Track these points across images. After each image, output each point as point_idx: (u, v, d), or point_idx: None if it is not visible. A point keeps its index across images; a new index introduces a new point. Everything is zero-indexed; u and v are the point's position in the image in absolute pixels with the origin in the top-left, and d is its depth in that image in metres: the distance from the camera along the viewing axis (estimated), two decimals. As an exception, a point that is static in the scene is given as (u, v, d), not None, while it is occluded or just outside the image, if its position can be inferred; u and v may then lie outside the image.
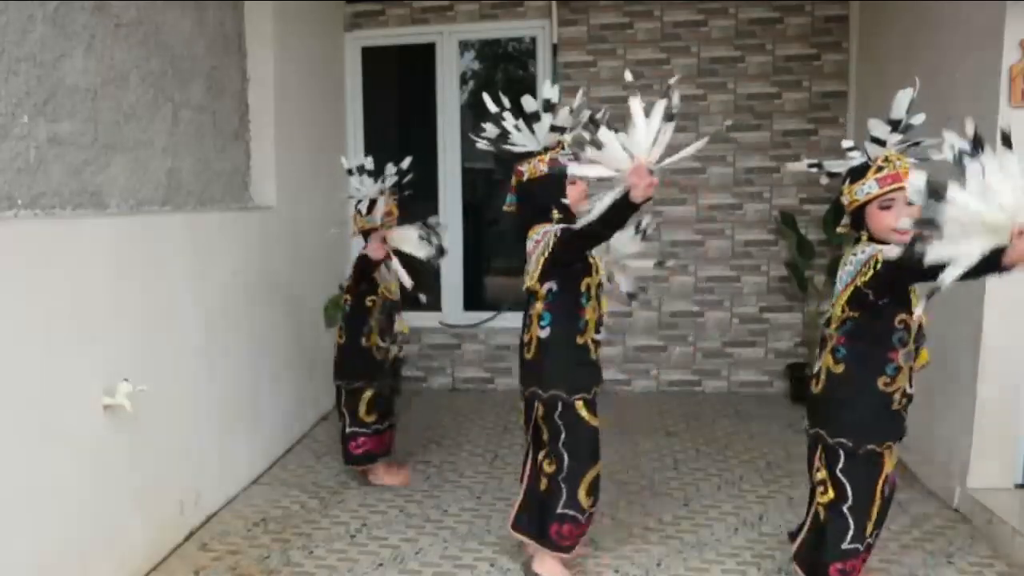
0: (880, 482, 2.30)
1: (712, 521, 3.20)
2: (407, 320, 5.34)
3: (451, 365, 5.42)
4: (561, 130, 2.58)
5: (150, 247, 2.84)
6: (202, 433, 3.22)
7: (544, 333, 2.61)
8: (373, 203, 3.40)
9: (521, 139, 2.62)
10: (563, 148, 2.59)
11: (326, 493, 3.53)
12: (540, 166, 2.60)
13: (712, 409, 4.78)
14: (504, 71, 6.03)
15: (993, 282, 3.06)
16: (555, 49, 5.07)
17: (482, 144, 2.69)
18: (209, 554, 2.94)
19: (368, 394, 3.49)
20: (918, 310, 2.08)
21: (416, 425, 4.52)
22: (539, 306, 2.63)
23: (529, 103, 2.57)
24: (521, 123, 2.61)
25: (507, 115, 2.63)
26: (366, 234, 3.42)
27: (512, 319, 4.97)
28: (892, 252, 2.00)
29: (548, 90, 2.58)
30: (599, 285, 2.65)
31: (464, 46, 5.43)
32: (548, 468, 2.64)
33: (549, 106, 2.56)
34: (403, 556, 2.92)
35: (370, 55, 5.40)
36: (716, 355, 5.16)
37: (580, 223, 2.48)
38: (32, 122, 2.40)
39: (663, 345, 5.20)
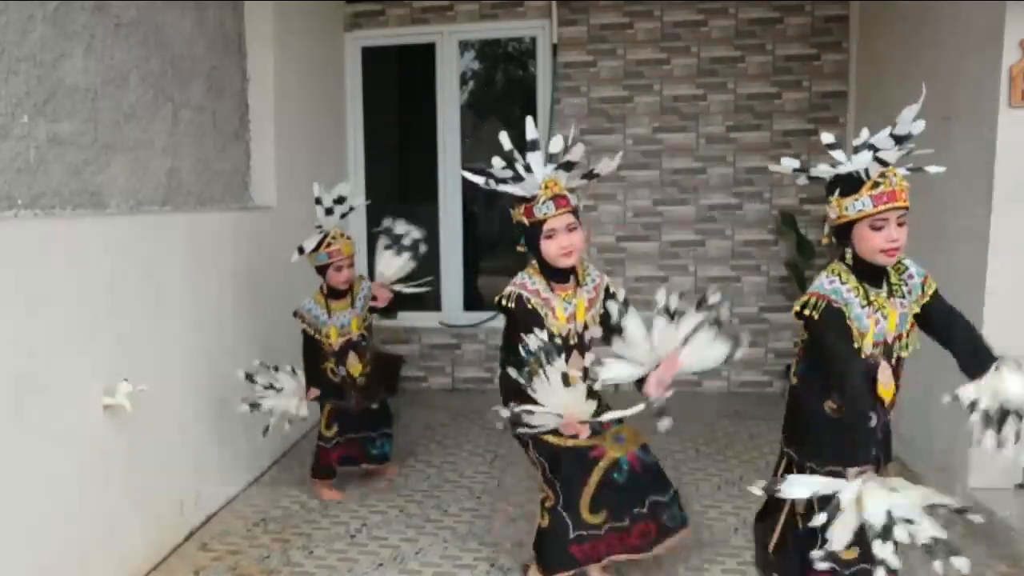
0: None
1: (712, 521, 3.20)
2: (407, 320, 5.39)
3: (451, 365, 5.42)
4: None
5: (150, 247, 2.84)
6: (202, 433, 3.22)
7: (502, 369, 2.50)
8: (321, 242, 3.31)
9: (509, 188, 2.41)
10: (540, 202, 2.38)
11: (326, 493, 3.54)
12: (516, 215, 2.46)
13: (712, 409, 4.78)
14: (504, 71, 6.03)
15: (994, 282, 3.06)
16: (555, 49, 5.07)
17: (474, 179, 2.44)
18: (209, 554, 2.94)
19: (326, 409, 3.45)
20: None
21: (416, 425, 4.52)
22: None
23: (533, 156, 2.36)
24: (518, 168, 2.38)
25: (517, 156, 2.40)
26: (320, 270, 3.38)
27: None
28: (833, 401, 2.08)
29: (555, 144, 2.39)
30: (555, 336, 2.35)
31: (464, 46, 5.43)
32: (548, 503, 2.55)
33: (549, 157, 2.39)
34: (403, 556, 2.92)
35: (370, 55, 5.40)
36: (716, 355, 5.15)
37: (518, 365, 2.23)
38: (32, 122, 2.40)
39: (663, 345, 5.19)
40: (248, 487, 3.60)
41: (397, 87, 6.32)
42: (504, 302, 2.46)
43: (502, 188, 2.41)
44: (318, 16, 4.78)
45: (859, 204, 1.99)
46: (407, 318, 5.37)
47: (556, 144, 2.38)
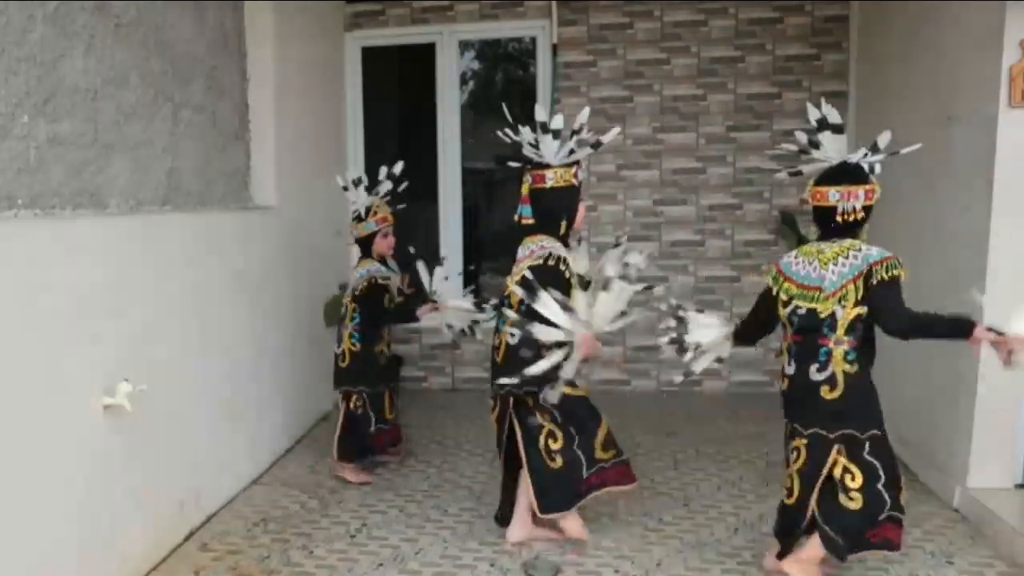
0: None
1: (712, 521, 3.20)
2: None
3: (451, 365, 5.42)
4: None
5: (150, 247, 2.84)
6: (202, 433, 3.22)
7: (514, 340, 2.76)
8: (368, 211, 3.60)
9: (546, 149, 2.76)
10: (579, 169, 2.81)
11: (326, 493, 3.54)
12: (568, 176, 2.76)
13: (712, 409, 4.78)
14: (504, 71, 6.03)
15: (994, 281, 3.06)
16: (555, 49, 5.07)
17: (509, 138, 2.82)
18: (209, 554, 2.94)
19: (388, 394, 3.71)
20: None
21: (416, 425, 4.52)
22: (511, 314, 2.76)
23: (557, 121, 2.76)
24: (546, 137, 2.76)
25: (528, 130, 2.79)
26: (363, 241, 3.62)
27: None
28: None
29: (575, 120, 2.83)
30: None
31: (464, 46, 5.43)
32: (555, 444, 2.78)
33: (572, 132, 2.80)
34: (403, 556, 2.92)
35: (370, 55, 5.40)
36: (716, 355, 5.15)
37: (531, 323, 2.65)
38: (32, 122, 2.40)
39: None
40: (248, 487, 3.59)
41: (397, 87, 6.31)
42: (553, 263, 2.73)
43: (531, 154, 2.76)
44: (318, 16, 4.78)
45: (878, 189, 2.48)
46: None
47: (580, 122, 2.78)
